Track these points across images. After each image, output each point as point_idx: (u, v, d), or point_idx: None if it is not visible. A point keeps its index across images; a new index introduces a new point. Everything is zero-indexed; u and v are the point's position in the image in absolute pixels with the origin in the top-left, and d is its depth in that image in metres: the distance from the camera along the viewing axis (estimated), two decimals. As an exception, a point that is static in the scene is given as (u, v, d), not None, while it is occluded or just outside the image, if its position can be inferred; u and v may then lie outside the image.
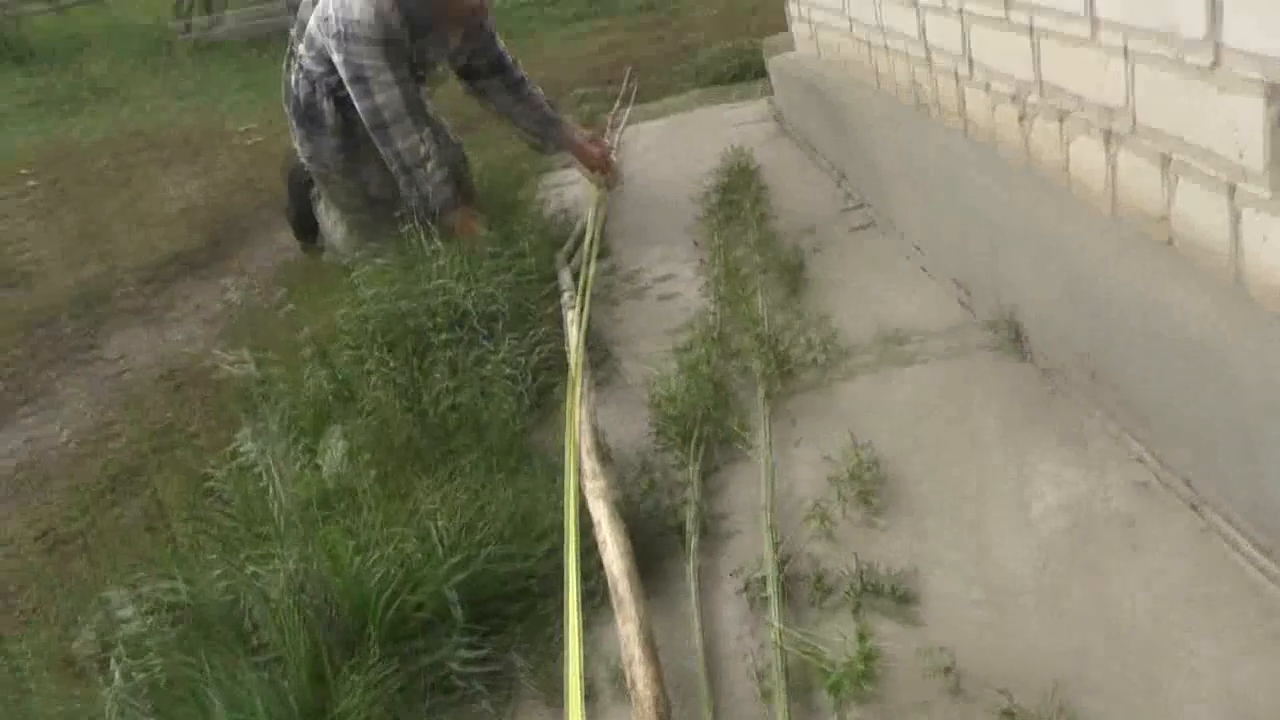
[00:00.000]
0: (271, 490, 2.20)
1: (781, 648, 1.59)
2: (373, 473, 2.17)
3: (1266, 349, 1.47)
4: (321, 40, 3.48)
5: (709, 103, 5.03)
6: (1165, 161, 1.71)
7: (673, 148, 4.49)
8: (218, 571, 1.87)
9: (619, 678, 1.62)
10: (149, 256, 4.62)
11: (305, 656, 1.65)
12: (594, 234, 3.43)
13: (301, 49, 3.61)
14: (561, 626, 1.69)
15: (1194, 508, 1.70)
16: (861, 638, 1.58)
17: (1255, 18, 1.40)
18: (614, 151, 4.41)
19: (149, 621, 1.82)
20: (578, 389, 2.32)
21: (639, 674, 1.52)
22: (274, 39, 10.81)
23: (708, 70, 5.41)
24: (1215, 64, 1.50)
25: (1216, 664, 1.44)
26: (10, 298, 4.53)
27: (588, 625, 1.75)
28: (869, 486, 1.93)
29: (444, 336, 2.67)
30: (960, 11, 2.36)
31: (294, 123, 3.73)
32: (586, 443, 2.12)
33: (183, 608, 1.86)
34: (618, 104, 5.14)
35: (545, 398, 2.49)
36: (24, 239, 5.53)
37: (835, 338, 2.47)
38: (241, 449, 2.55)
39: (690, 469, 2.08)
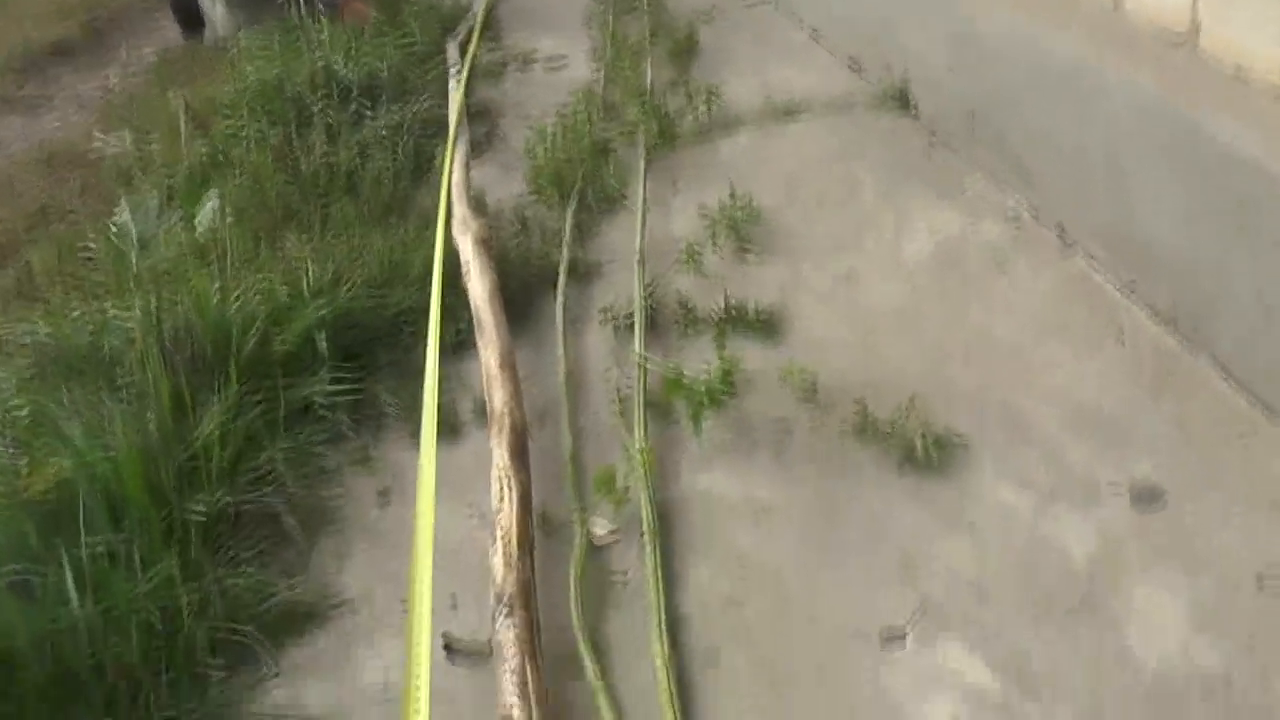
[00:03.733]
0: (138, 248, 2.16)
1: (643, 364, 1.61)
2: (242, 227, 2.14)
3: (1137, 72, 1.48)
4: None
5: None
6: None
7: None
8: (77, 314, 1.84)
9: (482, 406, 1.64)
10: (24, 48, 4.38)
11: (166, 389, 1.63)
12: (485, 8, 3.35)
13: None
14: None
15: (1064, 246, 1.74)
16: (721, 356, 1.59)
17: None
18: None
19: (8, 361, 1.80)
20: (452, 142, 2.29)
21: (496, 393, 1.54)
22: None
23: None
24: None
25: (1069, 378, 1.50)
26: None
27: (454, 360, 1.77)
28: (745, 230, 1.95)
29: (323, 106, 2.60)
30: None
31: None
32: (461, 193, 2.10)
33: (47, 354, 1.83)
34: None
35: (425, 163, 2.44)
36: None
37: (723, 104, 2.44)
38: (117, 219, 2.50)
39: (565, 219, 2.07)
